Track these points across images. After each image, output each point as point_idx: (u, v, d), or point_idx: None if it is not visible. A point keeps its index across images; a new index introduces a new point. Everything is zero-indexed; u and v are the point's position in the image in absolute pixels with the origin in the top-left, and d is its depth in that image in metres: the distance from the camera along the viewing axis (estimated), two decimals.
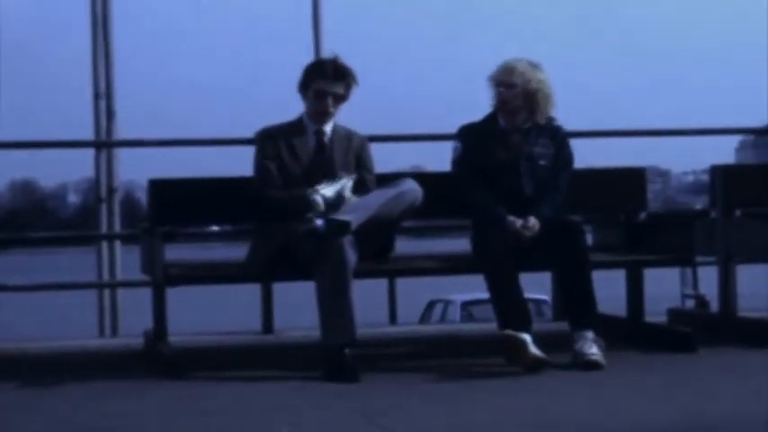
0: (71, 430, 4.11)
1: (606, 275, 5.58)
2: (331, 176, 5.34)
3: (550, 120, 5.68)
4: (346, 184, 5.30)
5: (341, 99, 5.53)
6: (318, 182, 5.30)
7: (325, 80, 5.49)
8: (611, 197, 6.16)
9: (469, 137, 5.65)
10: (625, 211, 6.16)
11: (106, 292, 9.65)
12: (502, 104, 5.60)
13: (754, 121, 8.23)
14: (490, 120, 5.68)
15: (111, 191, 9.91)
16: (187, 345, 5.96)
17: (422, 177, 5.50)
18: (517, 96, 5.56)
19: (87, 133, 10.13)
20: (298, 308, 7.36)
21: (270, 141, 5.52)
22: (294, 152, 5.51)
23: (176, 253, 5.54)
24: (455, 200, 5.63)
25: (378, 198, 5.30)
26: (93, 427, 4.14)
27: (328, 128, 5.58)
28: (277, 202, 5.41)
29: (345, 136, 5.62)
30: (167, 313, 5.45)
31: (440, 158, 6.05)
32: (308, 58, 6.07)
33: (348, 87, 5.54)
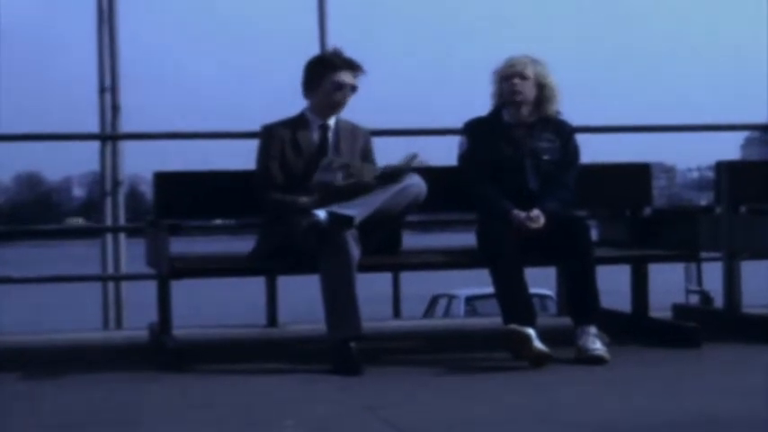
0: (75, 423, 4.11)
1: (611, 271, 5.58)
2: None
3: (556, 114, 5.69)
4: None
5: (355, 90, 5.56)
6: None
7: (342, 71, 5.50)
8: (616, 193, 6.16)
9: (475, 131, 5.67)
10: (630, 207, 6.16)
11: (110, 285, 9.68)
12: (514, 95, 5.61)
13: (760, 118, 8.22)
14: (495, 115, 5.69)
15: (116, 184, 9.94)
16: (192, 338, 5.98)
17: (426, 172, 5.50)
18: (530, 88, 5.59)
19: (92, 127, 10.17)
20: (303, 301, 7.36)
21: (273, 138, 5.51)
22: (298, 147, 5.51)
23: (181, 246, 5.55)
24: (462, 194, 5.63)
25: (381, 193, 5.30)
26: (98, 420, 4.14)
27: (331, 122, 5.59)
28: (278, 205, 5.41)
29: (350, 130, 5.62)
30: (172, 306, 5.47)
31: (444, 153, 6.06)
32: (313, 51, 6.06)
33: (358, 78, 5.57)
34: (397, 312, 7.72)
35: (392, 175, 5.33)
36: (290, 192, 5.40)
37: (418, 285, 10.63)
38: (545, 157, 5.59)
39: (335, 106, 5.55)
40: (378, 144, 5.76)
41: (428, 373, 4.96)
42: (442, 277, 8.37)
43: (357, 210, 5.15)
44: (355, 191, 5.26)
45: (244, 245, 5.67)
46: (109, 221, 9.83)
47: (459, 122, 5.82)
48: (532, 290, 5.39)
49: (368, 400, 4.39)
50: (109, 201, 9.90)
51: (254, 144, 5.65)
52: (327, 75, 5.52)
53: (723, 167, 6.14)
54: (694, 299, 7.29)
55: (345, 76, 5.52)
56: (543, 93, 5.61)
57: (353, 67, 5.54)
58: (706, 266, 7.24)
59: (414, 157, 5.37)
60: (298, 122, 5.58)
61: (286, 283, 6.24)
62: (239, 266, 5.57)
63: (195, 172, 5.82)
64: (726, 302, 6.19)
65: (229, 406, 4.34)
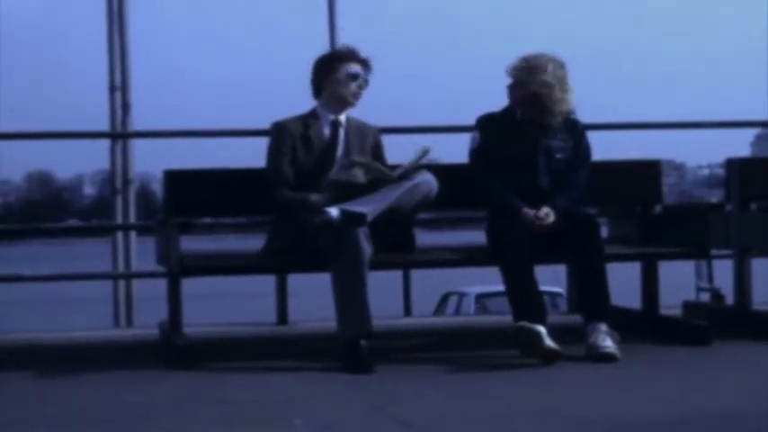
0: (86, 420, 4.12)
1: (621, 268, 5.57)
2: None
3: (568, 113, 5.65)
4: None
5: (366, 84, 5.56)
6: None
7: (354, 63, 5.53)
8: (626, 190, 6.15)
9: (488, 128, 5.64)
10: (640, 204, 6.15)
11: (121, 283, 9.70)
12: (514, 100, 5.61)
13: None
14: (509, 111, 5.66)
15: (126, 182, 9.97)
16: (202, 335, 5.98)
17: (437, 169, 5.50)
18: (528, 95, 5.54)
19: (103, 125, 10.20)
20: (313, 299, 7.36)
21: (283, 136, 5.52)
22: (308, 143, 5.51)
23: (191, 244, 5.55)
24: (473, 191, 5.62)
25: (393, 190, 5.30)
26: (108, 418, 4.15)
27: (343, 118, 5.59)
28: (289, 203, 5.40)
29: (360, 127, 5.63)
30: (182, 304, 5.47)
31: (455, 150, 6.05)
32: (323, 49, 6.07)
33: (368, 73, 5.59)
34: (407, 310, 7.72)
35: (408, 173, 5.34)
36: (301, 189, 5.41)
37: (429, 283, 10.61)
38: (558, 156, 5.57)
39: (349, 98, 5.54)
40: (387, 141, 5.77)
41: (438, 371, 4.96)
42: (452, 275, 8.36)
43: (369, 207, 5.15)
44: (373, 188, 5.27)
45: (254, 243, 5.68)
46: (119, 220, 9.86)
47: (470, 119, 5.80)
48: (543, 287, 5.39)
49: (378, 397, 4.39)
50: (119, 199, 9.94)
51: (264, 141, 5.65)
52: (339, 66, 5.53)
53: (733, 164, 6.13)
54: (705, 296, 7.27)
55: (357, 68, 5.54)
56: (542, 102, 5.50)
57: (363, 61, 5.57)
58: (716, 264, 7.22)
59: (426, 152, 5.36)
60: (309, 118, 5.58)
61: (297, 281, 6.24)
62: (250, 264, 5.58)
63: (205, 170, 5.83)
64: (736, 300, 6.18)
65: (239, 404, 4.35)
